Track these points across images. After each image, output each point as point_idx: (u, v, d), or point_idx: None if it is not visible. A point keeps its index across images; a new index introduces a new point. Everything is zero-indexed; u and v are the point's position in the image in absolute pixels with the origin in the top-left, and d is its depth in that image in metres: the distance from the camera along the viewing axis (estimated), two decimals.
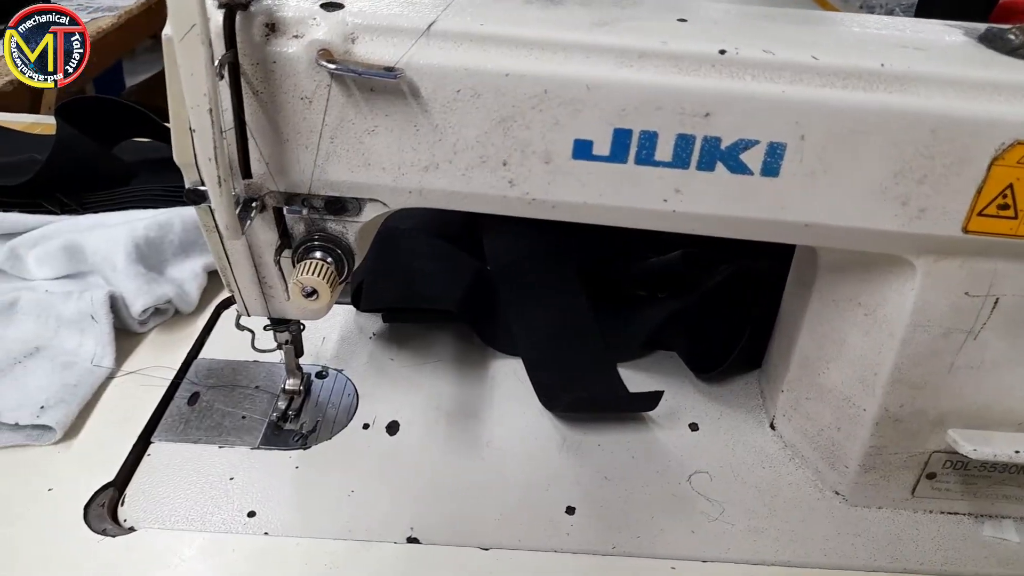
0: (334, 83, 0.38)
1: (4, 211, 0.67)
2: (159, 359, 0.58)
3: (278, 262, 0.45)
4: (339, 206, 0.42)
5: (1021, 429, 0.46)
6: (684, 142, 0.38)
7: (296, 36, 0.37)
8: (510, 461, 0.52)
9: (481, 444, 0.53)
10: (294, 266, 0.44)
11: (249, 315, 0.49)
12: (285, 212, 0.43)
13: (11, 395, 0.52)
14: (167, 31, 0.35)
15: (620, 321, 0.63)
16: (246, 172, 0.40)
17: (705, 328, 0.60)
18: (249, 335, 0.52)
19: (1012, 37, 0.40)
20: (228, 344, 0.60)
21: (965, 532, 0.49)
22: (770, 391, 0.57)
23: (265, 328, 0.51)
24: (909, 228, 0.40)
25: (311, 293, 0.42)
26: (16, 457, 0.50)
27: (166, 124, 0.75)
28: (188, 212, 0.66)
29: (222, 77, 0.36)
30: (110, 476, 0.48)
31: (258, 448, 0.51)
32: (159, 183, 0.72)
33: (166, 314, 0.62)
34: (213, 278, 0.65)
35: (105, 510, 0.47)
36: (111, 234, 0.63)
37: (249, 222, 0.40)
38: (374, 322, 0.63)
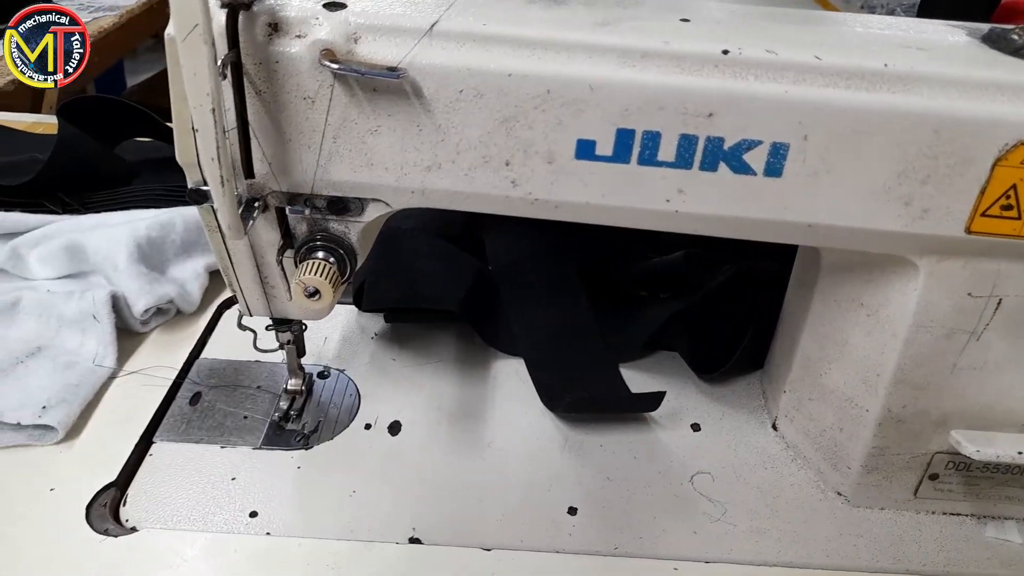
0: (337, 83, 0.38)
1: (6, 211, 0.67)
2: (161, 359, 0.58)
3: (280, 262, 0.45)
4: (341, 206, 0.42)
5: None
6: (687, 142, 0.38)
7: (299, 36, 0.37)
8: (512, 461, 0.52)
9: (483, 444, 0.53)
10: (296, 266, 0.44)
11: (251, 315, 0.49)
12: (287, 212, 0.43)
13: (13, 395, 0.52)
14: (170, 31, 0.35)
15: (622, 321, 0.62)
16: (249, 172, 0.40)
17: (707, 328, 0.60)
18: (251, 335, 0.52)
19: (1015, 37, 0.40)
20: (230, 344, 0.60)
21: (968, 533, 0.49)
22: (772, 392, 0.57)
23: (267, 328, 0.51)
24: (912, 228, 0.40)
25: (313, 293, 0.42)
26: (18, 457, 0.50)
27: (168, 124, 0.76)
28: (190, 212, 0.66)
29: (225, 77, 0.36)
30: (112, 476, 0.48)
31: (260, 448, 0.51)
32: (161, 183, 0.72)
33: (168, 314, 0.62)
34: (215, 278, 0.65)
35: (107, 510, 0.47)
36: (113, 234, 0.63)
37: (252, 222, 0.40)
38: (376, 322, 0.63)
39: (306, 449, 0.52)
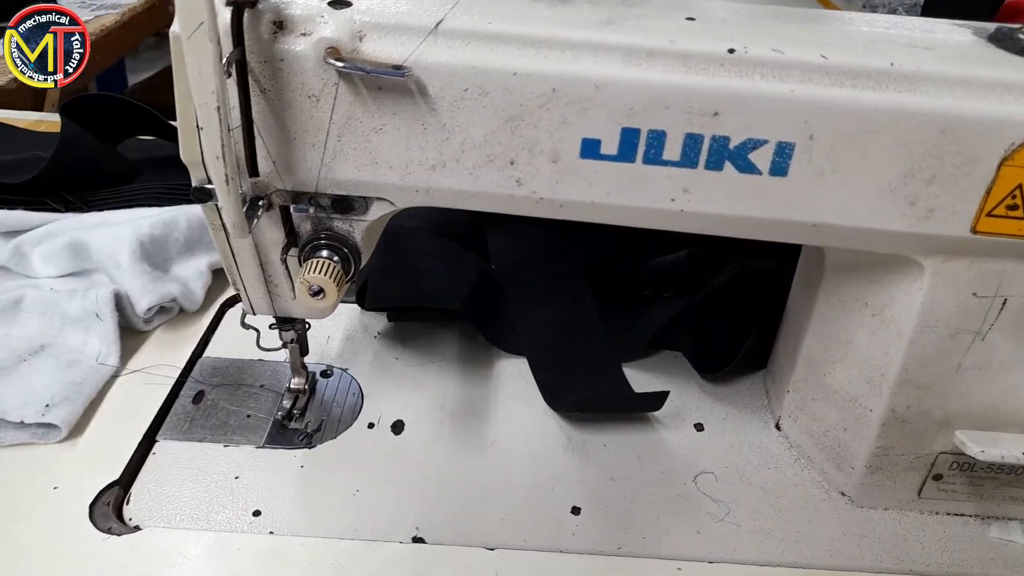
0: (342, 81, 0.38)
1: (8, 209, 0.67)
2: (164, 357, 0.58)
3: (284, 261, 0.45)
4: (346, 205, 0.42)
5: None
6: (692, 141, 0.38)
7: (304, 34, 0.37)
8: (515, 461, 0.52)
9: (486, 444, 0.53)
10: (300, 265, 0.43)
11: (255, 314, 0.49)
12: (292, 211, 0.43)
13: (16, 393, 0.52)
14: (175, 28, 0.35)
15: (625, 321, 0.62)
16: (253, 170, 0.40)
17: (710, 328, 0.60)
18: (254, 334, 0.52)
19: (1022, 36, 0.40)
20: (233, 343, 0.60)
21: (971, 534, 0.49)
22: (776, 392, 0.56)
23: (270, 327, 0.51)
24: (918, 228, 0.40)
25: (318, 292, 0.42)
26: (21, 455, 0.50)
27: (170, 122, 0.76)
28: (193, 210, 0.66)
29: (230, 75, 0.36)
30: (115, 475, 0.48)
31: (263, 447, 0.51)
32: (163, 181, 0.72)
33: (171, 312, 0.62)
34: (218, 276, 0.65)
35: (110, 509, 0.47)
36: (116, 232, 0.63)
37: (256, 220, 0.40)
38: (379, 321, 0.63)
39: (309, 448, 0.52)
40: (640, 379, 0.59)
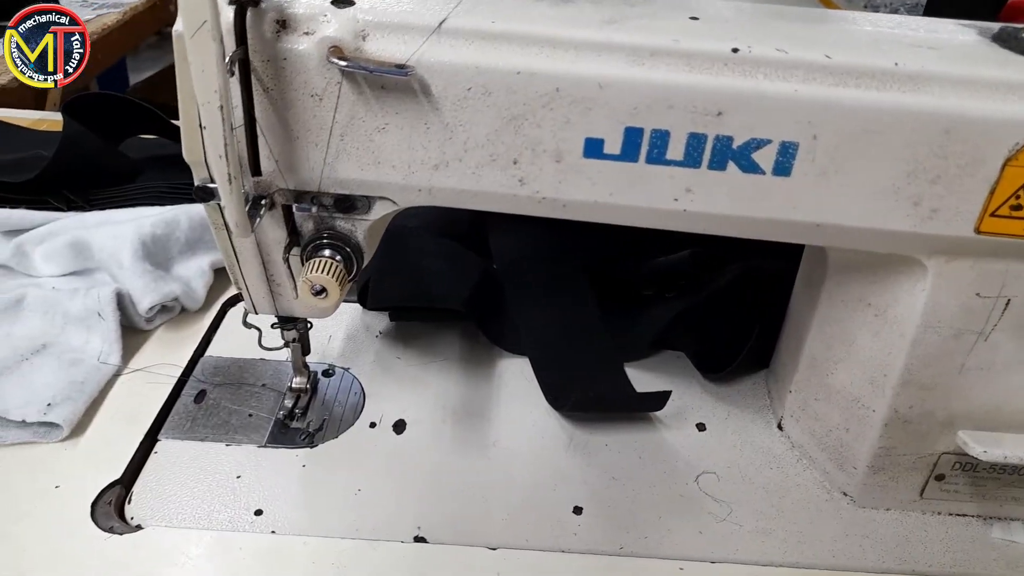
0: (345, 80, 0.38)
1: (10, 208, 0.67)
2: (166, 357, 0.58)
3: (287, 260, 0.45)
4: (348, 204, 0.42)
5: None
6: (696, 141, 0.38)
7: (307, 33, 0.37)
8: (517, 460, 0.52)
9: (488, 443, 0.53)
10: (303, 264, 0.43)
11: (257, 313, 0.49)
12: (294, 210, 0.43)
13: (18, 392, 0.52)
14: (178, 27, 0.35)
15: (627, 321, 0.62)
16: (256, 169, 0.40)
17: (712, 328, 0.60)
18: (255, 333, 0.52)
19: None
20: (234, 342, 0.60)
21: (974, 534, 0.49)
22: (778, 392, 0.56)
23: (272, 326, 0.51)
24: (921, 228, 0.40)
25: (320, 291, 0.42)
26: (23, 454, 0.50)
27: (171, 121, 0.76)
28: (195, 209, 0.66)
29: (232, 74, 0.36)
30: (117, 474, 0.48)
31: (265, 446, 0.51)
32: (165, 180, 0.72)
33: (172, 311, 0.62)
34: (219, 275, 0.65)
35: (112, 508, 0.47)
36: (118, 231, 0.63)
37: (258, 220, 0.40)
38: (381, 321, 0.63)
39: (311, 447, 0.52)
40: (642, 379, 0.59)
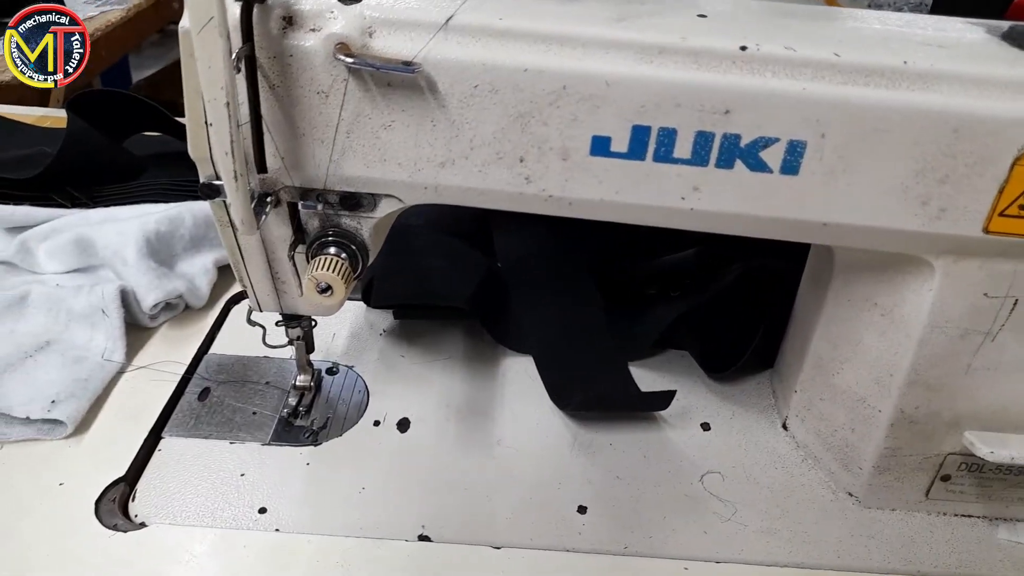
0: (351, 77, 0.38)
1: (15, 204, 0.67)
2: (169, 354, 0.58)
3: (292, 258, 0.44)
4: (354, 202, 0.42)
5: None
6: (703, 139, 0.38)
7: (313, 29, 0.37)
8: (521, 459, 0.52)
9: (492, 442, 0.53)
10: (308, 262, 0.43)
11: (261, 311, 0.49)
12: (300, 207, 0.42)
13: (22, 389, 0.52)
14: (184, 23, 0.35)
15: (632, 320, 0.62)
16: (261, 166, 0.40)
17: (717, 327, 0.60)
18: (259, 331, 0.52)
19: None
20: (238, 340, 0.60)
21: (979, 535, 0.49)
22: (783, 391, 0.56)
23: (276, 324, 0.51)
24: (929, 228, 0.39)
25: (326, 289, 0.41)
26: (27, 451, 0.50)
27: (175, 118, 0.76)
28: (198, 207, 0.66)
29: (239, 70, 0.36)
30: (121, 471, 0.48)
31: (269, 444, 0.51)
32: (168, 177, 0.72)
33: (176, 309, 0.62)
34: (223, 273, 0.65)
35: (116, 505, 0.47)
36: (122, 228, 0.62)
37: (264, 217, 0.40)
38: (385, 319, 0.63)
39: (315, 445, 0.51)
40: (646, 378, 0.59)
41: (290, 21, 0.37)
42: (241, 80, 0.37)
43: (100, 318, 0.57)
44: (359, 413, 0.54)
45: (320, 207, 0.42)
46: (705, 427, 0.55)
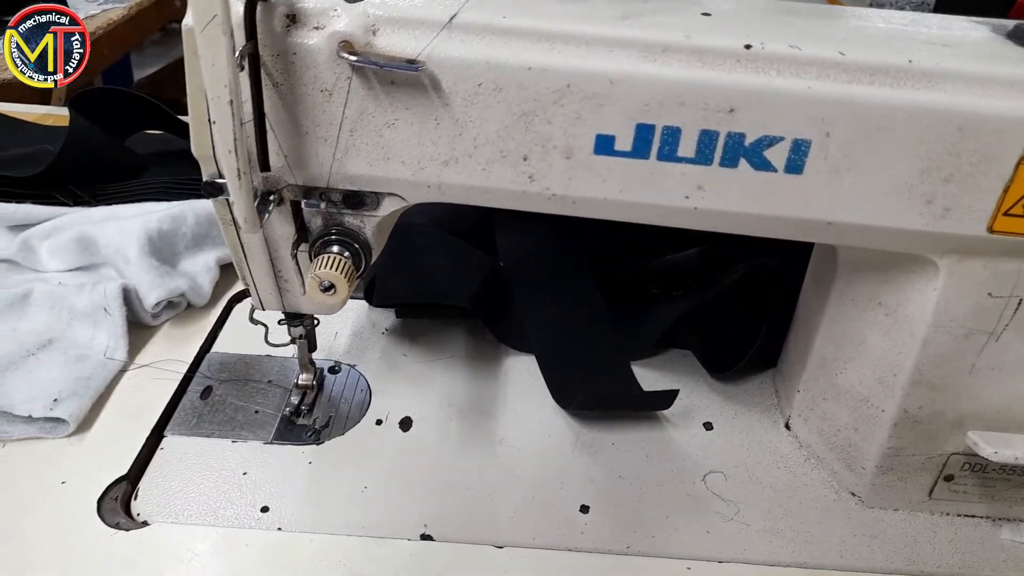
0: (354, 75, 0.37)
1: (17, 202, 0.67)
2: (172, 352, 0.58)
3: (295, 256, 0.44)
4: (357, 200, 0.42)
5: None
6: (707, 138, 0.38)
7: (317, 27, 0.37)
8: (523, 459, 0.52)
9: (494, 441, 0.53)
10: (311, 260, 0.43)
11: (264, 309, 0.49)
12: (303, 205, 0.42)
13: (24, 387, 0.52)
14: (188, 21, 0.35)
15: (634, 319, 0.62)
16: (264, 165, 0.40)
17: (720, 327, 0.60)
18: (262, 329, 0.52)
19: None
20: (241, 338, 0.60)
21: (983, 535, 0.49)
22: (786, 391, 0.56)
23: (279, 322, 0.51)
24: (934, 227, 0.39)
25: (329, 287, 0.41)
26: (29, 449, 0.50)
27: (178, 117, 0.76)
28: (201, 205, 0.66)
29: (242, 68, 0.36)
30: (123, 470, 0.48)
31: (271, 443, 0.51)
32: (170, 175, 0.72)
33: (179, 307, 0.62)
34: (226, 271, 0.65)
35: (118, 504, 0.46)
36: (124, 226, 0.62)
37: (267, 215, 0.40)
38: (387, 317, 0.63)
39: (317, 444, 0.51)
40: (649, 377, 0.59)
41: (294, 19, 0.37)
42: (244, 78, 0.37)
43: (102, 316, 0.57)
44: (361, 412, 0.54)
45: (323, 205, 0.42)
46: (708, 426, 0.55)
